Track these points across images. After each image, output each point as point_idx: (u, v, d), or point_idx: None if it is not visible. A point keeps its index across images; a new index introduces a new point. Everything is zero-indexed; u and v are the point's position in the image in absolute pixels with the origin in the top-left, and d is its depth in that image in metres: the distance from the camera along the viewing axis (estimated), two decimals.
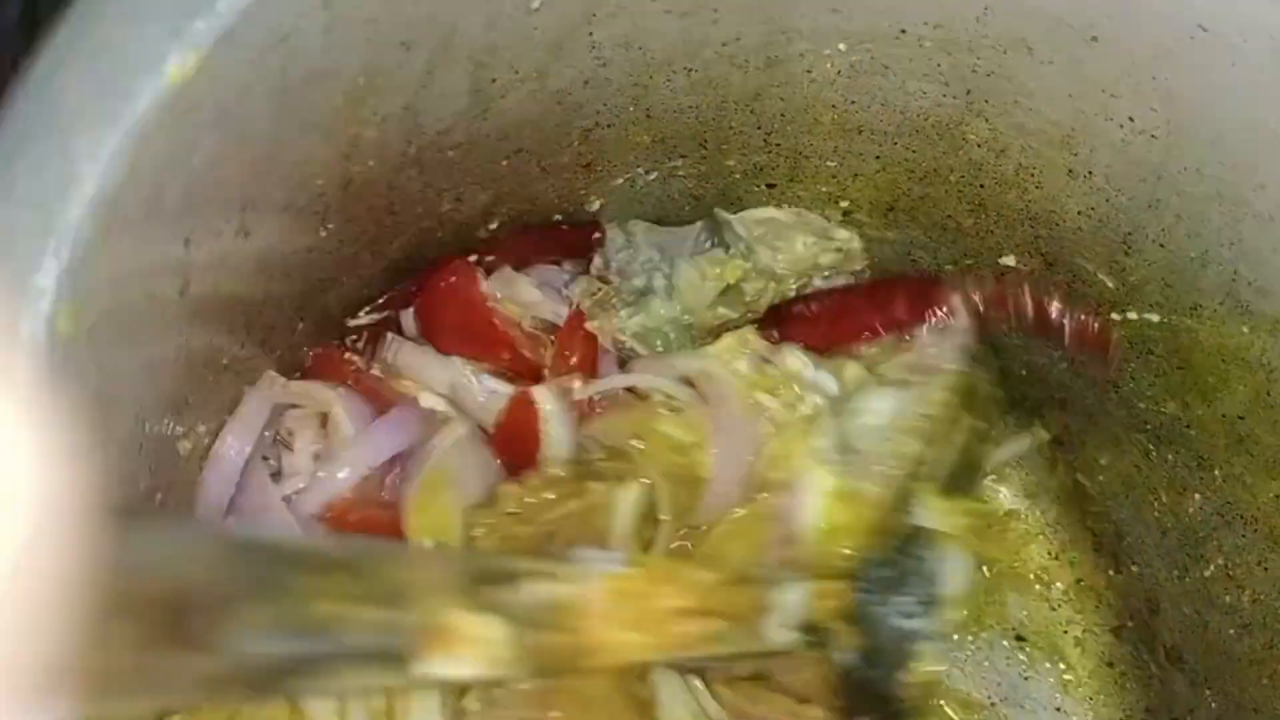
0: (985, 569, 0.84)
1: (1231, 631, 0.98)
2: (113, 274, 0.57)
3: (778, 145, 0.99)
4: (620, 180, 1.01)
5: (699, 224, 1.08)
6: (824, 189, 1.04)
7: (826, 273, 1.09)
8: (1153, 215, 0.89)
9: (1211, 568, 0.99)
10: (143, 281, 0.60)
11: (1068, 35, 0.81)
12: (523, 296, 1.03)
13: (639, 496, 0.95)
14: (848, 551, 0.90)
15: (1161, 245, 0.90)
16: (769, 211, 1.06)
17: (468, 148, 0.88)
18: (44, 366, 0.42)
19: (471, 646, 0.53)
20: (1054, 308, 0.99)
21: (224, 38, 0.59)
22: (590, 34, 0.84)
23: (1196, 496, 0.99)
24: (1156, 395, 0.99)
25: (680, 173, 1.02)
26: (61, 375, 0.46)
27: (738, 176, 1.03)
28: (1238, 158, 0.81)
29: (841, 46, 0.88)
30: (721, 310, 1.05)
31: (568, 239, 1.10)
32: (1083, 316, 0.98)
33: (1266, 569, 0.94)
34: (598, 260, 1.08)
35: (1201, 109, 0.80)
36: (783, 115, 0.96)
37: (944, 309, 1.02)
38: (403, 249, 0.96)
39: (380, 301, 1.02)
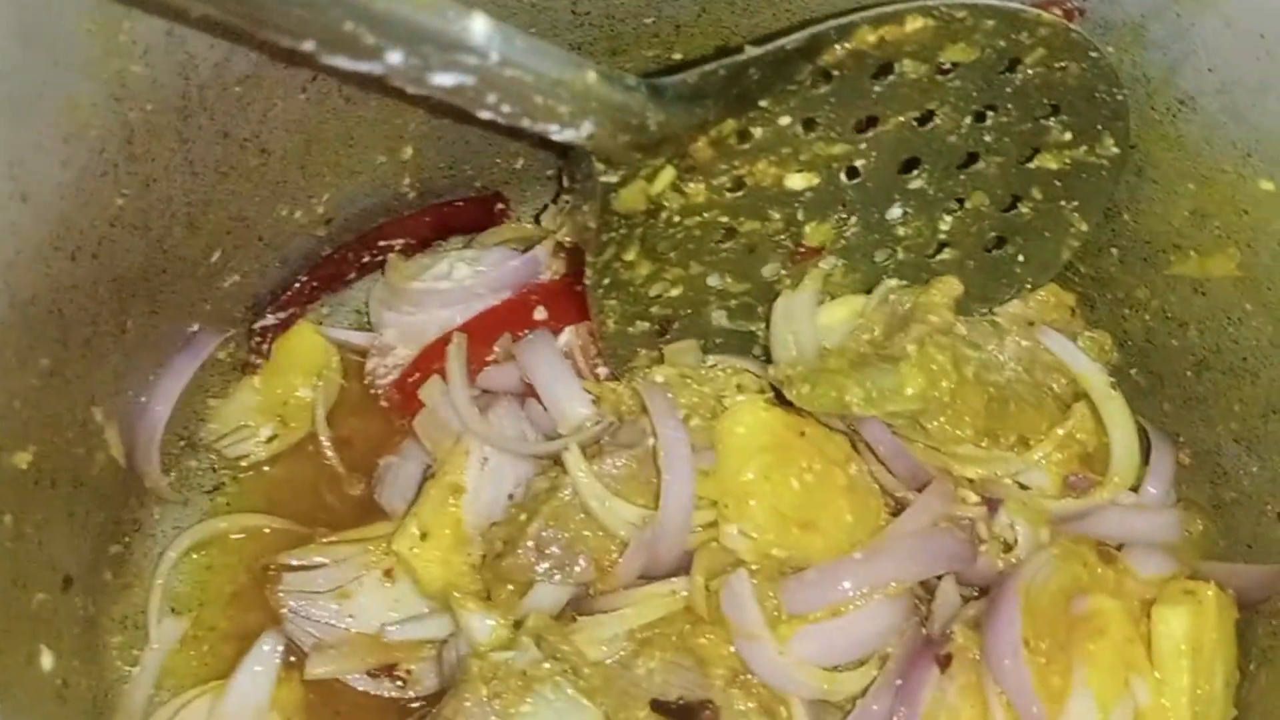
0: None
1: (1189, 374, 0.93)
2: None
3: (587, 14, 0.93)
4: None
5: None
6: (649, 52, 0.97)
7: None
8: None
9: (1147, 315, 0.94)
10: None
11: None
12: None
13: None
14: None
15: None
16: None
17: (255, 80, 0.80)
18: None
19: None
20: None
21: None
22: None
23: (1114, 251, 0.94)
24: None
25: None
26: None
27: None
28: None
29: None
30: None
31: (468, 214, 1.05)
32: None
33: (1205, 294, 0.89)
34: (564, 181, 1.04)
35: None
36: None
37: None
38: (222, 224, 0.87)
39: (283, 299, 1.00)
